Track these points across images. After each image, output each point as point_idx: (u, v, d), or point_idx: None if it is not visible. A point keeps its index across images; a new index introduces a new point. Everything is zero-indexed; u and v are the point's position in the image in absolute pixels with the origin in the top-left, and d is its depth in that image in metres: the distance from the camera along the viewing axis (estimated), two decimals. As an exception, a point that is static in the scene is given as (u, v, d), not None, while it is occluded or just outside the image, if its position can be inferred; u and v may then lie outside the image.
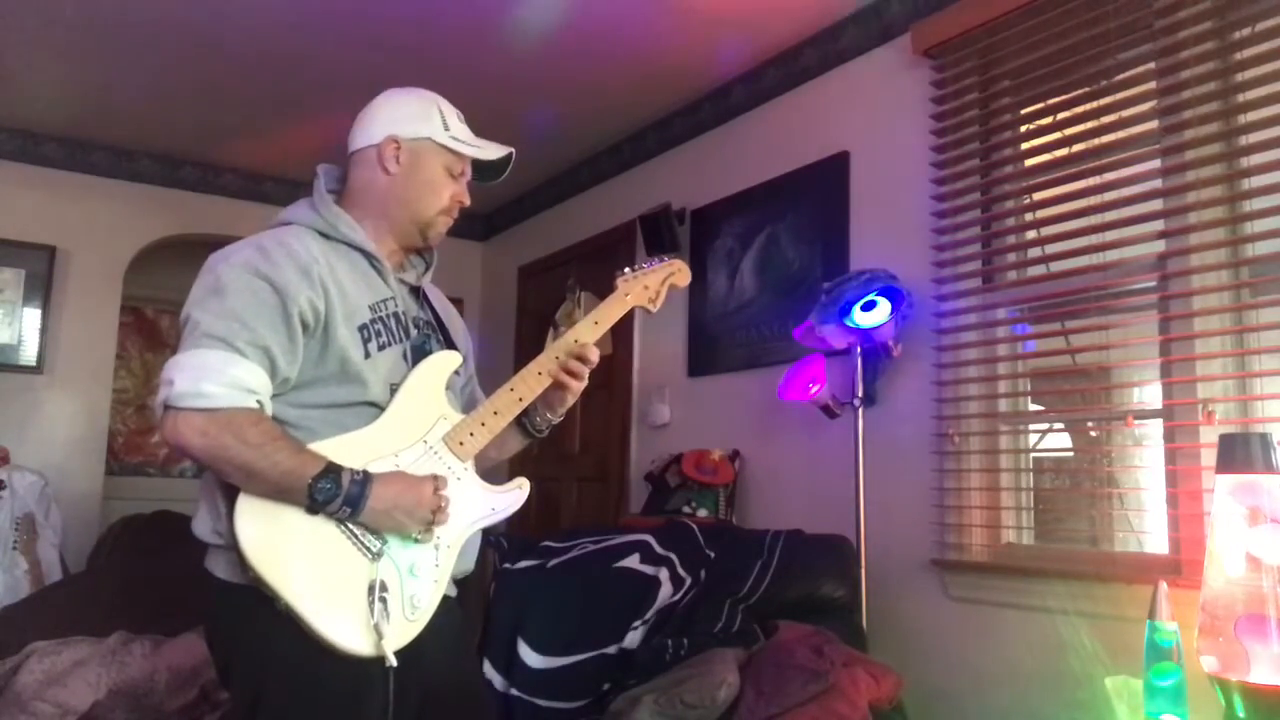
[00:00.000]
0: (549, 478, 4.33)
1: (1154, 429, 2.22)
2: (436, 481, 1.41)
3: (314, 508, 1.32)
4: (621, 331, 3.92)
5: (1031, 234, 2.49)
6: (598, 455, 4.02)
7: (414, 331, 1.54)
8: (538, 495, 5.30)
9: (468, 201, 1.60)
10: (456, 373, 1.58)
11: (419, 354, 1.52)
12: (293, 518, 1.33)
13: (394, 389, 1.47)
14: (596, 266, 4.15)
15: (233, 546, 1.33)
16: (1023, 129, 2.52)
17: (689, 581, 2.49)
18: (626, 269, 1.72)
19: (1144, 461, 2.29)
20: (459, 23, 3.06)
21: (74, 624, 2.73)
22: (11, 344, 4.10)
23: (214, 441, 1.29)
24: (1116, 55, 2.27)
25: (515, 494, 1.53)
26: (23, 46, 3.34)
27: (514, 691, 2.32)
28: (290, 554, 1.32)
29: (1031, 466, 2.51)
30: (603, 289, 4.38)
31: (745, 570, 2.46)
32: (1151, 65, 2.20)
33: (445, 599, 1.47)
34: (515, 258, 4.90)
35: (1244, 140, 2.03)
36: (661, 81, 3.44)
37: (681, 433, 3.49)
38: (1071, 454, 2.68)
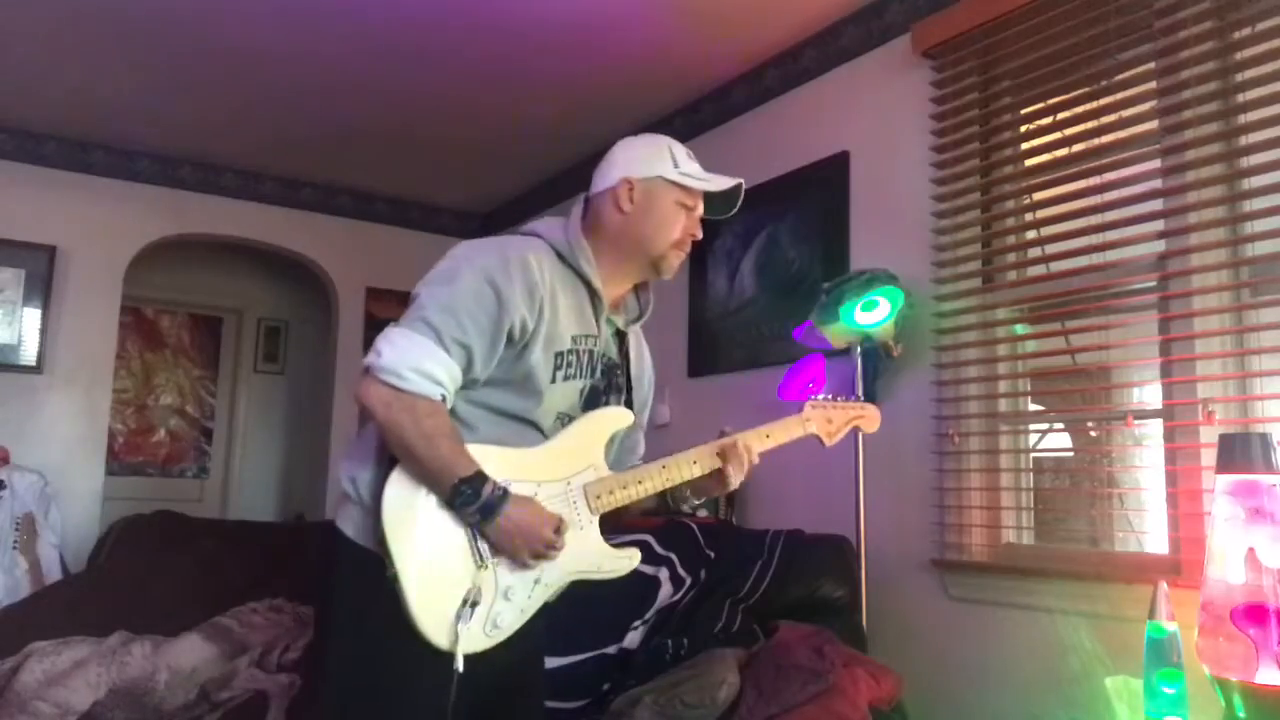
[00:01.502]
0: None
1: (1154, 429, 2.22)
2: (560, 523, 1.47)
3: (452, 504, 1.42)
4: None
5: (1031, 234, 2.50)
6: (598, 455, 4.02)
7: (599, 373, 1.62)
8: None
9: (699, 235, 1.65)
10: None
11: (594, 395, 1.61)
12: (432, 502, 1.43)
13: (561, 418, 1.57)
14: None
15: (366, 502, 1.47)
16: (1023, 129, 2.52)
17: (689, 581, 2.49)
18: (821, 395, 1.81)
19: (1144, 461, 2.29)
20: (458, 23, 3.06)
21: (74, 624, 2.73)
22: (11, 344, 4.10)
23: (393, 416, 1.42)
24: (1116, 55, 2.27)
25: (623, 560, 1.58)
26: (23, 46, 3.34)
27: (514, 691, 2.32)
28: (416, 530, 1.42)
29: (1031, 466, 2.51)
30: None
31: (745, 570, 2.46)
32: (1151, 65, 2.20)
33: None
34: (515, 258, 4.89)
35: (1244, 140, 2.03)
36: (661, 81, 3.44)
37: (681, 433, 3.49)
38: (1071, 454, 2.68)
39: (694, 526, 2.72)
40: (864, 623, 2.42)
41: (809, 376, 2.70)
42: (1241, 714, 1.53)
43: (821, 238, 3.01)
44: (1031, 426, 2.54)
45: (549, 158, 4.30)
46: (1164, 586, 1.68)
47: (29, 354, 4.12)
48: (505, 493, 1.43)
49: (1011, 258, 2.52)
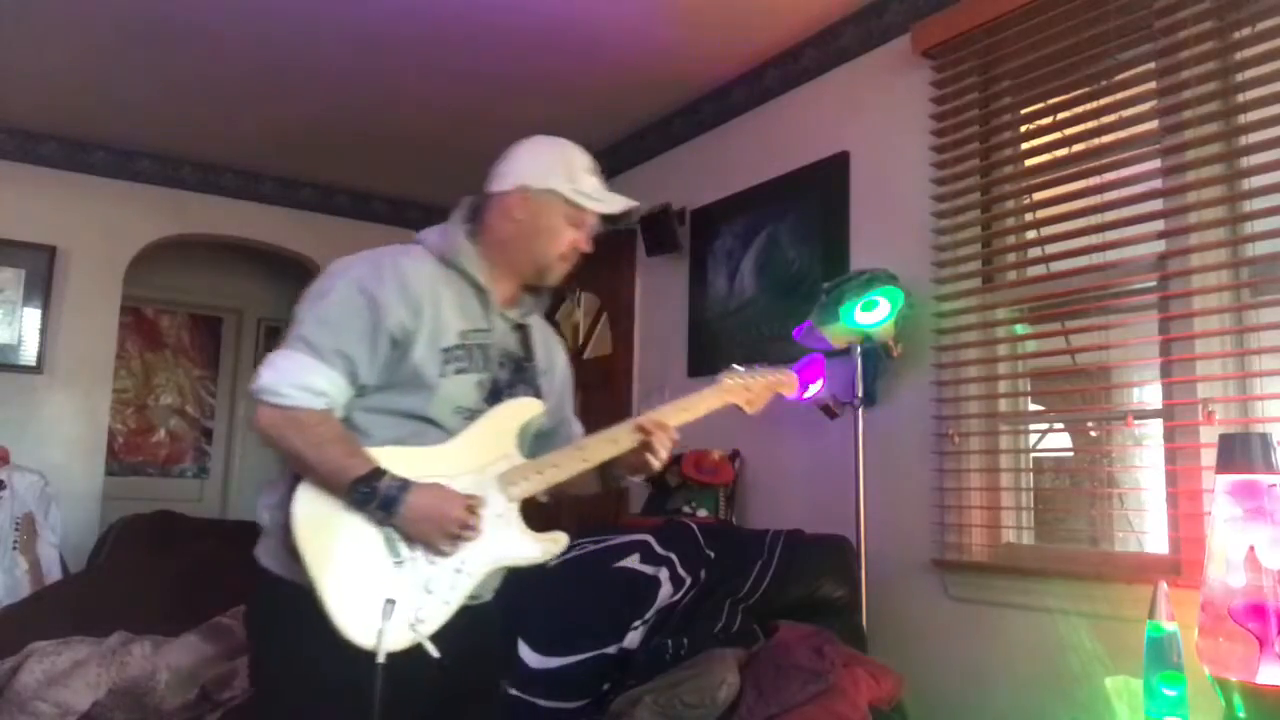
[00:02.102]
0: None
1: (1154, 429, 2.22)
2: (471, 501, 1.48)
3: (354, 505, 1.43)
4: (621, 332, 3.93)
5: (1031, 234, 2.49)
6: (598, 455, 4.01)
7: (498, 366, 1.61)
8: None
9: (588, 249, 1.68)
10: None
11: (495, 387, 1.60)
12: (341, 511, 1.44)
13: (462, 413, 1.55)
14: (596, 266, 4.11)
15: (278, 527, 1.47)
16: (1023, 129, 2.52)
17: (689, 581, 2.49)
18: (738, 366, 1.82)
19: (1144, 461, 2.30)
20: (458, 23, 3.06)
21: (74, 624, 2.73)
22: (11, 344, 4.10)
23: (280, 433, 1.45)
24: (1116, 55, 2.27)
25: (548, 545, 1.58)
26: (23, 46, 3.34)
27: (514, 691, 2.32)
28: (329, 540, 1.43)
29: (1031, 466, 2.51)
30: (603, 289, 4.40)
31: (745, 570, 2.46)
32: (1151, 65, 2.20)
33: (466, 608, 1.52)
34: (515, 258, 4.89)
35: (1244, 140, 2.03)
36: (661, 81, 3.44)
37: (682, 433, 3.49)
38: (1071, 454, 2.68)
39: (694, 526, 2.72)
40: (864, 623, 2.42)
41: (809, 376, 2.70)
42: (1241, 714, 1.53)
43: (821, 238, 3.01)
44: (1031, 426, 2.54)
45: (549, 158, 4.30)
46: (1164, 586, 1.68)
47: (29, 354, 4.12)
48: (405, 483, 1.43)
49: (1011, 258, 2.52)
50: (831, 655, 2.03)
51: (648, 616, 2.39)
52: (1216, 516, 1.64)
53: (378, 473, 1.43)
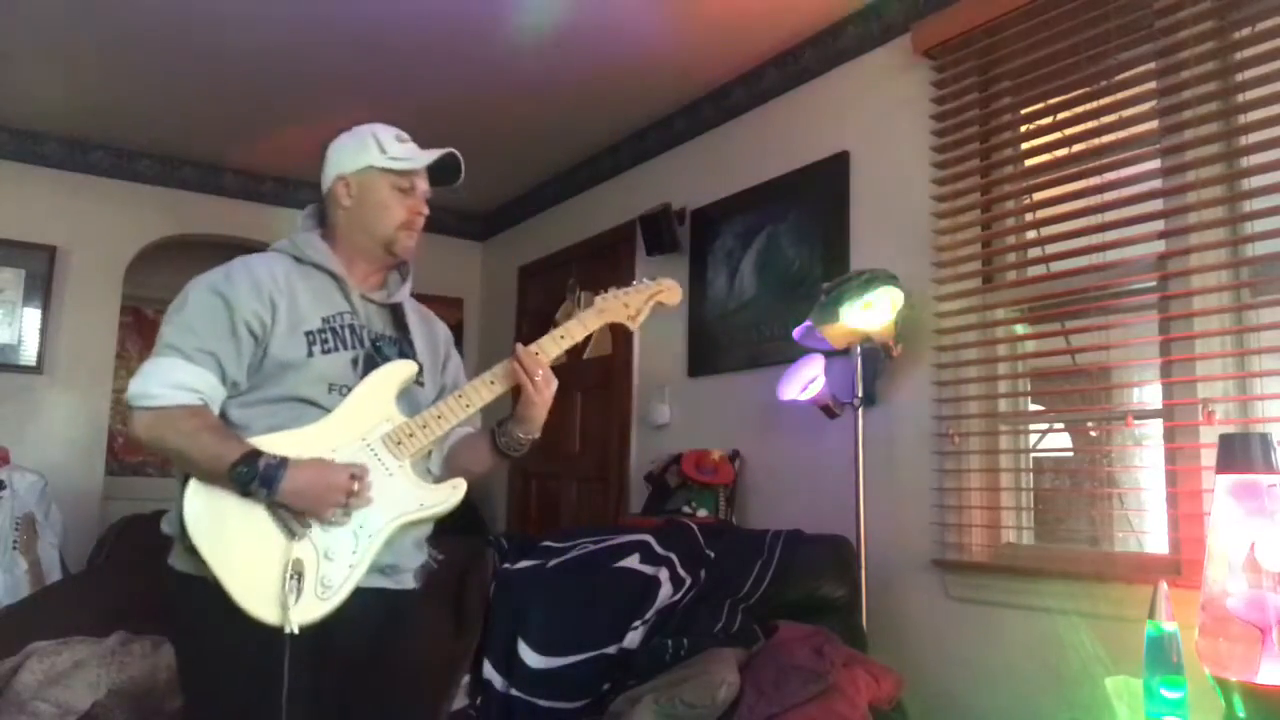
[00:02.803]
0: (549, 477, 4.33)
1: (1154, 429, 2.22)
2: (354, 469, 1.51)
3: (239, 489, 1.46)
4: (621, 331, 3.92)
5: (1031, 234, 2.49)
6: (598, 455, 4.02)
7: (368, 343, 1.64)
8: (538, 494, 5.27)
9: (424, 211, 1.71)
10: (419, 383, 1.69)
11: (370, 362, 1.63)
12: (230, 500, 1.48)
13: (338, 390, 1.58)
14: (596, 266, 4.15)
15: (176, 528, 1.52)
16: (1023, 129, 2.52)
17: (689, 581, 2.49)
18: (613, 288, 1.78)
19: (1144, 461, 2.29)
20: (457, 24, 3.06)
21: (74, 624, 2.73)
22: (11, 344, 4.10)
23: (156, 434, 1.50)
24: (1116, 55, 2.26)
25: (446, 491, 1.59)
26: (23, 47, 3.34)
27: (514, 691, 2.32)
28: (223, 529, 1.48)
29: (1031, 466, 2.51)
30: (603, 289, 4.39)
31: (745, 570, 2.46)
32: (1151, 65, 2.20)
33: (383, 591, 1.57)
34: (515, 258, 4.90)
35: (1244, 140, 2.03)
36: (661, 81, 3.44)
37: (681, 433, 3.50)
38: (1071, 454, 2.68)
39: (694, 526, 2.72)
40: (864, 623, 2.42)
41: (809, 377, 2.70)
42: (1242, 714, 1.53)
43: (821, 238, 3.01)
44: (1031, 426, 2.54)
45: (549, 158, 4.30)
46: (1164, 586, 1.68)
47: (29, 354, 4.12)
48: (283, 460, 1.47)
49: (1011, 258, 2.52)
50: (831, 655, 2.03)
51: (648, 616, 2.38)
52: (1216, 516, 1.64)
53: (254, 454, 1.46)
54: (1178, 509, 2.02)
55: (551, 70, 3.37)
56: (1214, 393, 2.02)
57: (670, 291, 1.80)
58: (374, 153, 1.66)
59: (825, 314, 2.54)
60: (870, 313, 2.49)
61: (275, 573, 1.45)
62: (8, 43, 3.31)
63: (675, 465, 3.20)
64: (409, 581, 1.66)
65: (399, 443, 1.57)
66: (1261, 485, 1.58)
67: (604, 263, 4.07)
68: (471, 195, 4.97)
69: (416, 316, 1.78)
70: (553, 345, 1.67)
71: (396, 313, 1.73)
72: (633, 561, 2.54)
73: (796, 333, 2.70)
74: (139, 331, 5.71)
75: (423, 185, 1.70)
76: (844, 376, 2.67)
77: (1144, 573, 2.01)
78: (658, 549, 2.57)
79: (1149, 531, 2.23)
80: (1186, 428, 2.03)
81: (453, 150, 1.71)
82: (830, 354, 2.70)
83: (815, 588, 2.40)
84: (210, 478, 1.48)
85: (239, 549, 1.47)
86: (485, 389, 1.64)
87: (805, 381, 2.70)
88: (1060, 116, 2.40)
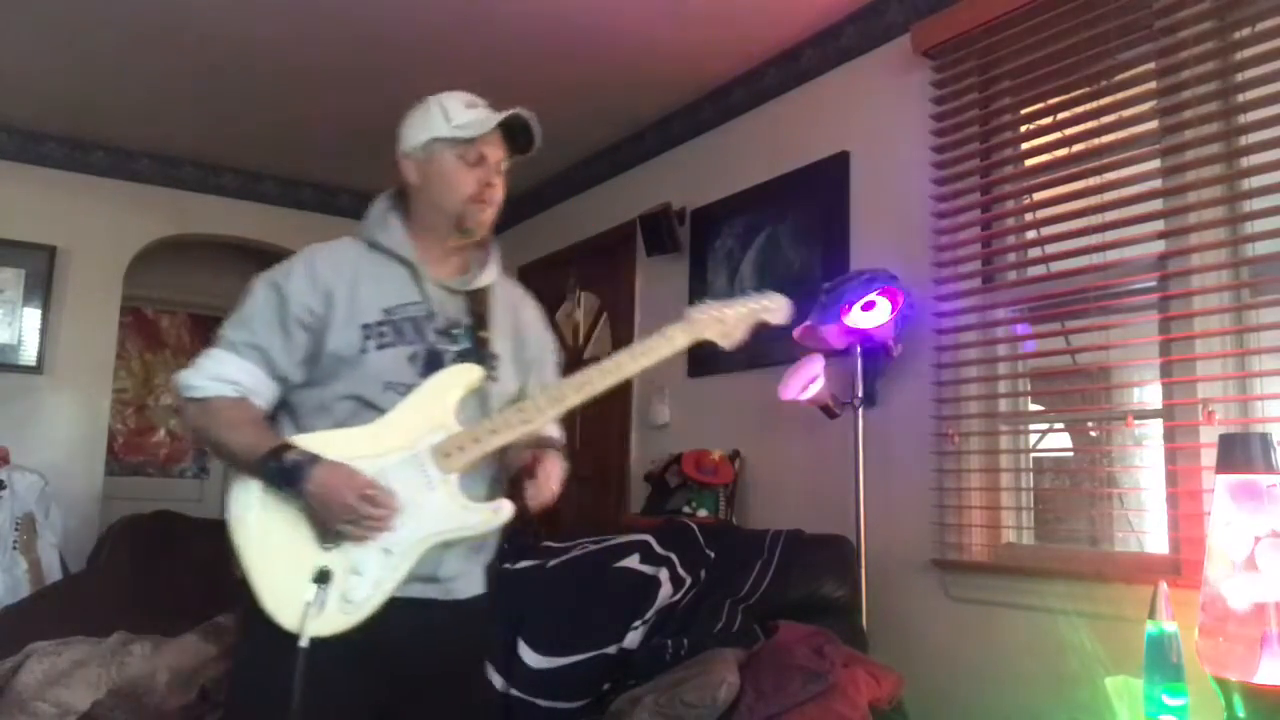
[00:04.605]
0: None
1: (1154, 429, 2.22)
2: (369, 490, 1.42)
3: (265, 481, 1.45)
4: (621, 332, 3.92)
5: (1031, 234, 2.49)
6: (598, 455, 4.02)
7: (436, 337, 1.54)
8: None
9: (494, 182, 1.60)
10: (493, 379, 1.57)
11: (432, 359, 1.53)
12: (271, 497, 1.46)
13: (394, 388, 1.50)
14: (597, 266, 4.15)
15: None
16: (1023, 129, 2.52)
17: (689, 581, 2.49)
18: (708, 300, 1.70)
19: (1144, 461, 2.29)
20: (457, 23, 3.06)
21: (74, 624, 2.73)
22: (11, 344, 4.10)
23: (199, 424, 1.51)
24: (1116, 55, 2.27)
25: (487, 515, 1.51)
26: (23, 46, 3.34)
27: (514, 691, 2.32)
28: (258, 525, 1.47)
29: (1031, 466, 2.51)
30: (603, 289, 4.40)
31: (745, 570, 2.46)
32: (1151, 65, 2.20)
33: (431, 603, 1.51)
34: (515, 258, 4.89)
35: (1244, 140, 2.03)
36: (661, 81, 3.43)
37: (681, 433, 3.49)
38: (1071, 454, 2.68)
39: (694, 526, 2.72)
40: (864, 623, 2.42)
41: (809, 377, 2.70)
42: (1242, 714, 1.53)
43: (821, 238, 3.01)
44: (1031, 426, 2.54)
45: (549, 158, 4.29)
46: (1164, 586, 1.68)
47: (29, 354, 4.12)
48: (314, 457, 1.43)
49: (1011, 258, 2.52)
50: (831, 655, 2.03)
51: (648, 616, 2.38)
52: (1216, 517, 1.64)
53: (284, 447, 1.44)
54: (1178, 509, 2.02)
55: (552, 70, 3.37)
56: (1214, 393, 2.02)
57: (775, 310, 1.71)
58: (438, 123, 1.59)
59: (825, 314, 2.54)
60: (870, 313, 2.49)
61: (303, 580, 1.42)
62: (8, 42, 3.31)
63: (675, 465, 3.20)
64: (460, 591, 1.57)
65: (448, 455, 1.48)
66: (1261, 485, 1.58)
67: (604, 263, 4.07)
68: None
69: (505, 303, 1.67)
70: (634, 363, 1.60)
71: (477, 298, 1.61)
72: (633, 561, 2.54)
73: (796, 333, 2.70)
74: (139, 331, 5.71)
75: (495, 154, 1.59)
76: (844, 376, 2.67)
77: (1144, 573, 2.01)
78: (658, 549, 2.57)
79: (1149, 531, 2.23)
80: (1186, 428, 2.03)
81: (518, 111, 1.59)
82: (830, 354, 2.70)
83: (815, 588, 2.40)
84: (243, 469, 1.47)
85: (272, 550, 1.46)
86: (550, 407, 1.53)
87: (805, 381, 2.70)
88: (1060, 116, 2.40)
